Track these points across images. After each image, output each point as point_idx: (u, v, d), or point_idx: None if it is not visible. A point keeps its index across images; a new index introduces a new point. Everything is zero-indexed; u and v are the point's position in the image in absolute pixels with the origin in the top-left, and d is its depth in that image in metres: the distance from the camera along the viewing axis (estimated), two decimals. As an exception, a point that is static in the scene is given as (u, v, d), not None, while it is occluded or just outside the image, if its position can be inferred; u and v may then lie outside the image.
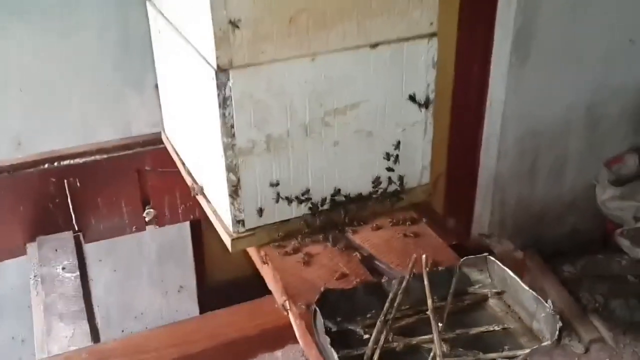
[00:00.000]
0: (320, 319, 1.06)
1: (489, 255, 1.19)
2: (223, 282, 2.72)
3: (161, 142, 1.77)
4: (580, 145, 2.92)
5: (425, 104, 1.31)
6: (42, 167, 1.70)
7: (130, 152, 1.78)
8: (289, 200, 1.30)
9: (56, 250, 1.72)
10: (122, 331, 2.54)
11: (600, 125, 2.90)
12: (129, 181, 1.79)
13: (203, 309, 2.67)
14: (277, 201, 1.29)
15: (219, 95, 1.16)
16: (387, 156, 1.35)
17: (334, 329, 1.09)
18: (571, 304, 2.89)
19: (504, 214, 2.97)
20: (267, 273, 1.28)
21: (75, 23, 2.02)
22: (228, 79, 1.15)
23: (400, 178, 1.38)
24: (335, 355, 1.00)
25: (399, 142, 1.35)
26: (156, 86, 1.78)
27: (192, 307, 2.66)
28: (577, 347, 2.70)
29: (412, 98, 1.29)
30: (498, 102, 2.71)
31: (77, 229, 1.79)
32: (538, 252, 3.10)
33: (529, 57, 2.60)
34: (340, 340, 1.06)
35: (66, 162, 1.73)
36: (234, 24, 1.11)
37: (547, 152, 2.87)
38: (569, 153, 2.91)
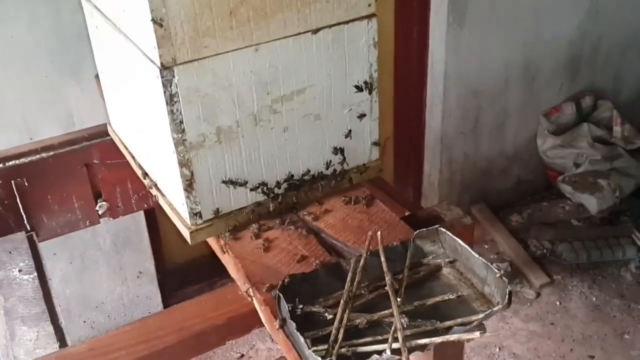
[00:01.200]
0: (284, 305, 1.11)
1: (439, 226, 1.25)
2: (181, 264, 2.75)
3: (107, 134, 1.76)
4: (519, 100, 3.02)
5: (370, 84, 1.35)
6: (-14, 170, 1.67)
7: (76, 147, 1.76)
8: (243, 188, 1.33)
9: (10, 253, 1.71)
10: (84, 322, 2.55)
11: (536, 79, 3.00)
12: (78, 176, 1.78)
13: (164, 291, 2.70)
14: (232, 190, 1.32)
15: (165, 92, 1.17)
16: (336, 137, 1.39)
17: (298, 312, 1.13)
18: (520, 252, 3.03)
19: (451, 172, 3.07)
20: (228, 262, 1.31)
21: (3, 15, 1.97)
22: (173, 76, 1.15)
23: (351, 157, 1.42)
24: (302, 339, 1.05)
25: (346, 123, 1.38)
26: (96, 76, 1.76)
27: (152, 291, 2.68)
28: (529, 293, 2.84)
29: (357, 87, 1.33)
30: (439, 63, 2.77)
31: (29, 228, 1.77)
32: (486, 205, 3.23)
33: (465, 17, 2.66)
34: (306, 322, 1.11)
35: (11, 163, 1.70)
36: (165, 21, 1.11)
37: (488, 109, 2.96)
38: (509, 108, 3.02)
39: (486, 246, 3.10)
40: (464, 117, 2.93)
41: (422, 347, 1.05)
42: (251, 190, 1.34)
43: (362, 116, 1.38)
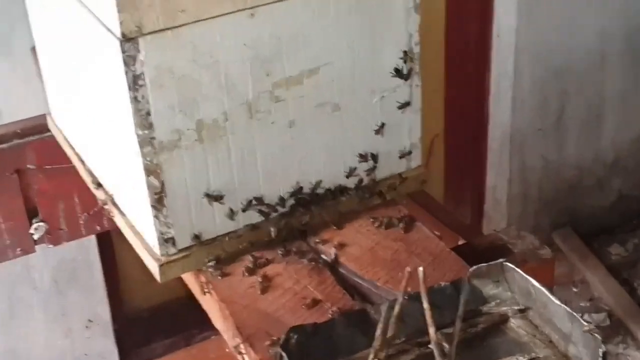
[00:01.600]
0: (288, 368, 1.12)
1: (505, 261, 1.26)
2: (146, 309, 2.77)
3: (47, 128, 1.79)
4: (622, 85, 3.01)
5: (410, 62, 1.36)
6: None
7: (4, 146, 1.79)
8: (233, 205, 1.34)
9: None
10: (12, 389, 2.58)
11: (646, 56, 3.00)
12: (7, 186, 1.81)
13: (122, 347, 2.72)
14: (218, 207, 1.33)
15: (127, 73, 1.19)
16: (363, 135, 1.40)
17: (308, 377, 1.15)
18: (623, 297, 3.02)
19: (526, 184, 3.07)
20: (210, 306, 1.33)
21: None
22: (138, 51, 1.18)
23: (383, 163, 1.43)
24: (313, 415, 1.06)
25: (376, 115, 1.40)
26: (33, 49, 1.79)
27: (107, 347, 2.71)
28: (636, 357, 2.83)
29: (396, 71, 1.34)
30: (508, 33, 2.78)
31: (-62, 258, 1.81)
32: (575, 231, 3.22)
33: (545, -29, 2.67)
34: (318, 392, 1.13)
35: None
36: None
37: (577, 96, 2.96)
38: (606, 96, 3.01)
39: (575, 289, 3.10)
40: (543, 108, 2.93)
41: None
42: (243, 210, 1.35)
43: (403, 106, 1.39)
